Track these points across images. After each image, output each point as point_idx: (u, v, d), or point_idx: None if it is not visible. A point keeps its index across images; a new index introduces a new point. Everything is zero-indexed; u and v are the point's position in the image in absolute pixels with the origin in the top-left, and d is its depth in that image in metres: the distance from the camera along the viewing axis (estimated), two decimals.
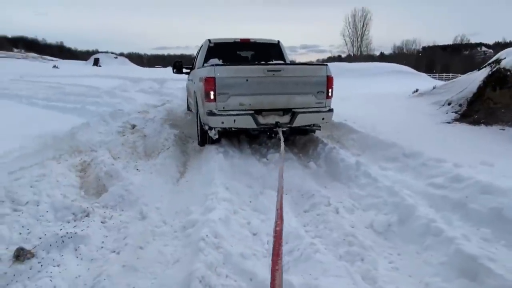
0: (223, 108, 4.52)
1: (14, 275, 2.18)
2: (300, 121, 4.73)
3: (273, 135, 5.08)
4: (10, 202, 2.95)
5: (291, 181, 3.86)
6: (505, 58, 6.58)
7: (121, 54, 73.20)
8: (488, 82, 6.49)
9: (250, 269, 2.33)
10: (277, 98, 4.66)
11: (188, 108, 8.43)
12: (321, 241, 2.71)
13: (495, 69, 6.56)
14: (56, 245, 2.45)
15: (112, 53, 65.16)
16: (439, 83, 12.08)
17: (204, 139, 5.17)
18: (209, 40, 6.10)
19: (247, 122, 4.57)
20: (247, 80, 4.49)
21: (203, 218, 2.83)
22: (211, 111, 4.51)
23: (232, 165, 4.34)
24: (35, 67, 31.59)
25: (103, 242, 2.67)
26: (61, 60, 57.98)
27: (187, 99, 8.57)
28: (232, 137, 5.52)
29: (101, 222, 2.91)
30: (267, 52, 6.35)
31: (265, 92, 4.59)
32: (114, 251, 2.56)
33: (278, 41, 6.48)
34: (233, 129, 4.75)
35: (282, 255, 1.64)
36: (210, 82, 4.43)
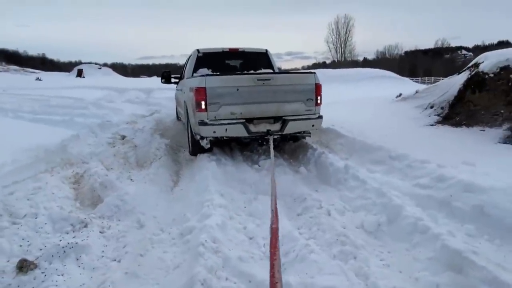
0: (215, 117, 4.58)
1: (19, 286, 2.23)
2: (291, 128, 4.83)
3: (264, 143, 5.18)
4: (8, 215, 2.98)
5: (283, 186, 3.97)
6: (483, 62, 6.85)
7: (105, 65, 72.51)
8: (468, 85, 6.74)
9: (248, 271, 2.42)
10: (268, 107, 4.75)
11: (178, 118, 8.47)
12: (315, 242, 2.82)
13: (474, 72, 6.82)
14: (58, 256, 2.50)
15: (96, 63, 64.44)
16: (421, 87, 12.41)
17: (195, 149, 5.21)
18: (198, 50, 6.18)
19: (238, 131, 4.63)
20: (237, 90, 4.57)
21: (201, 225, 2.92)
22: (202, 120, 4.57)
23: (225, 172, 4.42)
24: (18, 80, 31.05)
25: (103, 251, 2.72)
26: (44, 72, 57.13)
27: (176, 109, 8.61)
28: (224, 145, 5.60)
29: (100, 232, 2.97)
30: (256, 61, 6.46)
31: (256, 100, 4.67)
32: (115, 260, 2.62)
33: (266, 50, 6.60)
34: (225, 138, 4.81)
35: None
36: (201, 92, 4.50)
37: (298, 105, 4.88)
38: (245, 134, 4.66)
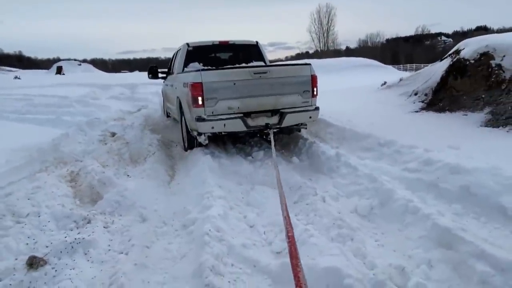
0: (212, 113, 4.53)
1: (30, 282, 2.29)
2: (289, 121, 4.82)
3: (264, 137, 5.19)
4: (11, 215, 3.02)
5: None
6: (464, 48, 7.06)
7: (85, 61, 71.22)
8: (450, 71, 6.96)
9: (252, 257, 2.55)
10: (265, 100, 4.72)
11: (167, 115, 8.37)
12: (313, 227, 2.95)
13: (455, 59, 7.04)
14: (66, 251, 2.57)
15: (75, 59, 63.09)
16: (405, 74, 12.66)
17: (191, 145, 5.18)
18: (188, 44, 6.07)
19: (237, 126, 4.59)
20: (234, 84, 4.53)
21: (203, 216, 3.01)
22: (200, 116, 4.50)
23: (220, 165, 4.49)
24: None
25: (109, 245, 2.80)
26: (22, 70, 55.74)
27: (165, 104, 8.51)
28: (217, 138, 5.65)
29: (104, 227, 3.03)
30: (247, 53, 6.40)
31: (253, 94, 4.63)
32: (122, 252, 2.70)
33: (257, 42, 6.53)
34: (223, 133, 4.77)
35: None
36: (197, 88, 4.43)
37: (295, 97, 4.88)
38: (244, 128, 4.62)
